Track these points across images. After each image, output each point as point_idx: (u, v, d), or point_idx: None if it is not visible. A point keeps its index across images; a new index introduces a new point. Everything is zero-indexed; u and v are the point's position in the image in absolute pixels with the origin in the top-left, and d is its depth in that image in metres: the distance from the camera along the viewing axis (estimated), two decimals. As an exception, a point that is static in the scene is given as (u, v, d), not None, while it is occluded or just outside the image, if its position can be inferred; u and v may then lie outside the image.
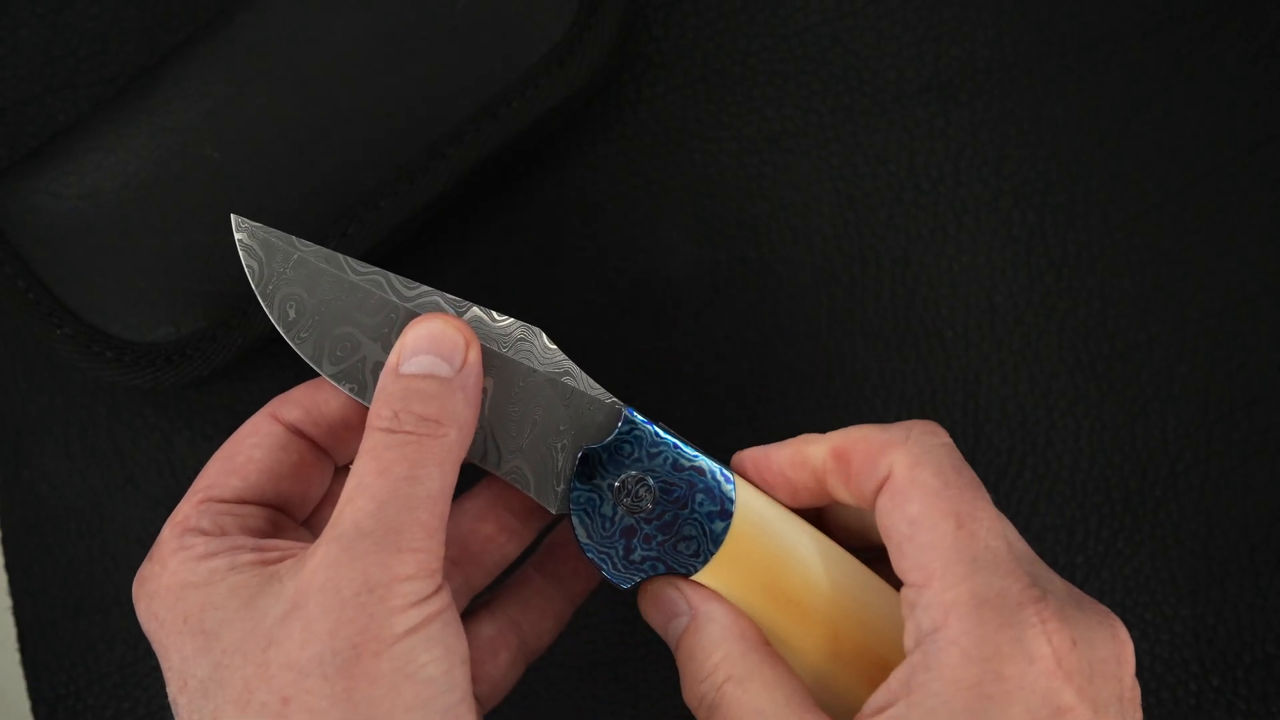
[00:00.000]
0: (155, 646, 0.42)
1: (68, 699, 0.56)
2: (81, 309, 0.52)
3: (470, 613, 0.47)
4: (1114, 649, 0.40)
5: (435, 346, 0.42)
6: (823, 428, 0.45)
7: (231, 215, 0.45)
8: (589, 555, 0.44)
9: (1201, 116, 0.57)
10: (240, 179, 0.52)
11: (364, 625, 0.38)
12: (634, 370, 0.56)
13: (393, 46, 0.52)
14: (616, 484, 0.44)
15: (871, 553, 0.45)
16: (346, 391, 0.44)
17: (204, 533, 0.42)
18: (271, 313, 0.45)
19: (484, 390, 0.44)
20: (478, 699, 0.46)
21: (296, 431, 0.45)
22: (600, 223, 0.57)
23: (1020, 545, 0.41)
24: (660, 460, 0.44)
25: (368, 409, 0.43)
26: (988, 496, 0.41)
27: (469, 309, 0.45)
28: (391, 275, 0.45)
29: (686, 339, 0.56)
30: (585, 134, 0.57)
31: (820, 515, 0.46)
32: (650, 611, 0.45)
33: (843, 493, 0.43)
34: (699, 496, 0.44)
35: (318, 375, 0.45)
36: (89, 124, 0.53)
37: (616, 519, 0.44)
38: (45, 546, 0.56)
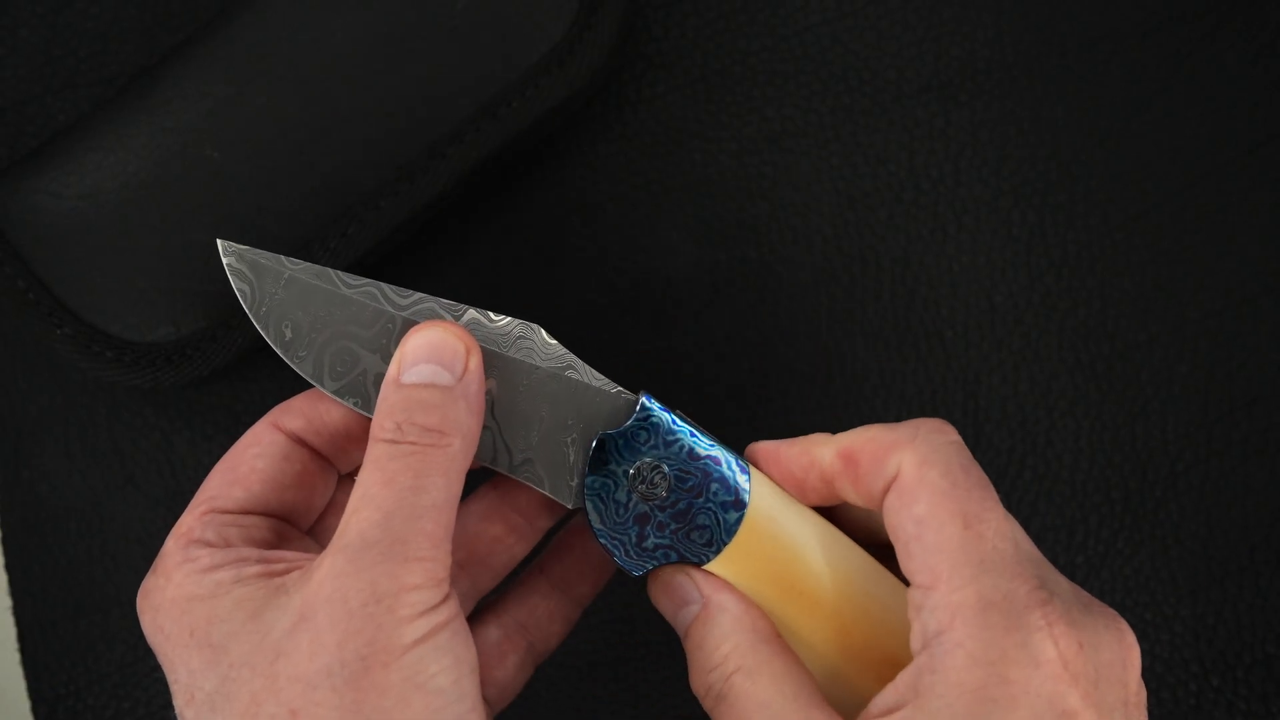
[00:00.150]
0: (161, 660, 0.42)
1: (68, 699, 0.56)
2: (81, 309, 0.52)
3: (477, 617, 0.47)
4: (1120, 652, 0.40)
5: (435, 355, 0.42)
6: (823, 428, 0.45)
7: (218, 240, 0.45)
8: (601, 541, 0.44)
9: (1201, 116, 0.57)
10: (240, 179, 0.52)
11: (372, 636, 0.38)
12: (634, 370, 0.56)
13: (393, 46, 0.52)
14: (631, 470, 0.44)
15: (884, 550, 0.44)
16: (351, 406, 0.44)
17: (208, 544, 0.42)
18: (268, 334, 0.45)
19: (488, 392, 0.44)
20: (487, 702, 0.46)
21: (299, 440, 0.45)
22: (600, 223, 0.56)
23: (1028, 546, 0.41)
24: (676, 448, 0.44)
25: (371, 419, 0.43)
26: (996, 497, 0.41)
27: (465, 312, 0.45)
28: (384, 285, 0.44)
29: (686, 339, 0.56)
30: (585, 134, 0.57)
31: (833, 512, 0.46)
32: (660, 599, 0.45)
33: (852, 494, 0.43)
34: (714, 486, 0.44)
35: (319, 385, 0.45)
36: (89, 124, 0.52)
37: (630, 505, 0.44)
38: (45, 546, 0.56)
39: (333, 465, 0.46)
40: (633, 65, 0.57)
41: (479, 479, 0.47)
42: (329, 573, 0.39)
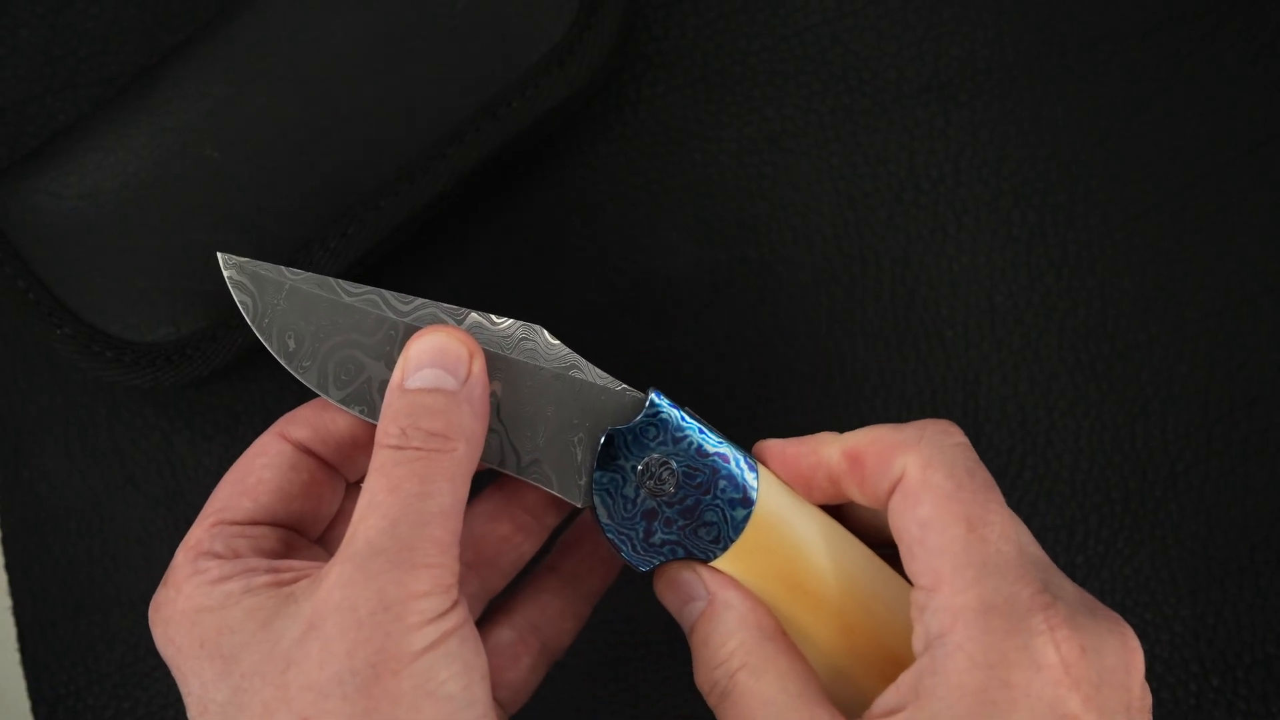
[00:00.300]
0: (174, 672, 0.42)
1: (68, 699, 0.56)
2: (81, 309, 0.52)
3: (489, 620, 0.47)
4: (1123, 657, 0.40)
5: (439, 360, 0.42)
6: (823, 428, 0.45)
7: (218, 254, 0.45)
8: (609, 536, 0.44)
9: (1201, 116, 0.57)
10: (240, 179, 0.52)
11: (381, 644, 0.38)
12: (634, 370, 0.56)
13: (393, 46, 0.52)
14: (640, 466, 0.44)
15: (891, 549, 0.44)
16: (357, 414, 0.44)
17: (217, 556, 0.42)
18: (271, 345, 0.45)
19: (493, 395, 0.44)
20: (501, 705, 0.46)
21: (306, 450, 0.45)
22: (600, 223, 0.56)
23: (1033, 549, 0.41)
24: (685, 445, 0.44)
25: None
26: (1001, 499, 0.41)
27: (467, 315, 0.45)
28: (385, 291, 0.45)
29: (686, 339, 0.56)
30: (585, 134, 0.57)
31: (840, 511, 0.46)
32: (666, 594, 0.45)
33: (857, 495, 0.43)
34: (721, 483, 0.44)
35: (323, 392, 0.45)
36: (89, 124, 0.52)
37: (638, 501, 0.44)
38: (45, 546, 0.56)
39: (340, 474, 0.46)
40: (633, 65, 0.57)
41: (485, 479, 0.47)
42: (337, 581, 0.39)
